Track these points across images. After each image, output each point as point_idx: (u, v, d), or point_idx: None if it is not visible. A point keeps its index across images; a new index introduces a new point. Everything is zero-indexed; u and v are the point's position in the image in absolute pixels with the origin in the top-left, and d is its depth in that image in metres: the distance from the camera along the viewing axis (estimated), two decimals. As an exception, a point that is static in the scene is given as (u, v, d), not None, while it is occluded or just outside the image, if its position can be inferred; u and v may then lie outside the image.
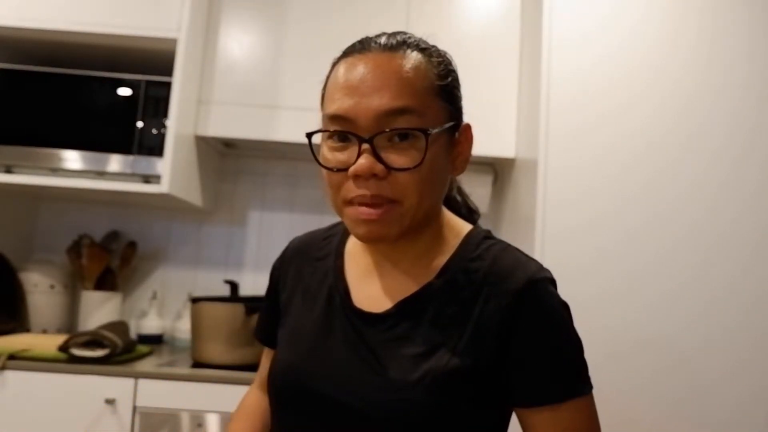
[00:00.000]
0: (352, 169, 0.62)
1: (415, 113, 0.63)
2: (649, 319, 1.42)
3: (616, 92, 1.49)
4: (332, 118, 0.65)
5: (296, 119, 1.78)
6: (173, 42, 1.69)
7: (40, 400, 1.44)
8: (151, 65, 1.78)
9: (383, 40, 0.67)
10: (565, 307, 0.67)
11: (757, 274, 1.43)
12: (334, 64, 0.70)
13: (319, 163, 0.66)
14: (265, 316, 0.87)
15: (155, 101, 1.69)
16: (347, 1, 1.85)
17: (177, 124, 1.67)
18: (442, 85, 0.67)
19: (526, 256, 0.70)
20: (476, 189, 1.86)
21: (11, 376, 1.44)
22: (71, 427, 1.43)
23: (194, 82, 1.79)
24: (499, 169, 1.97)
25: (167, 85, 1.68)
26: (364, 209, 0.63)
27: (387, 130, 0.62)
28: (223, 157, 2.11)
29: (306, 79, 1.80)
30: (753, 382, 1.39)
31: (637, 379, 1.39)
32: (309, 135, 0.67)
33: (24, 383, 1.44)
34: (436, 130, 0.64)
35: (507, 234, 1.80)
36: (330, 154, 0.65)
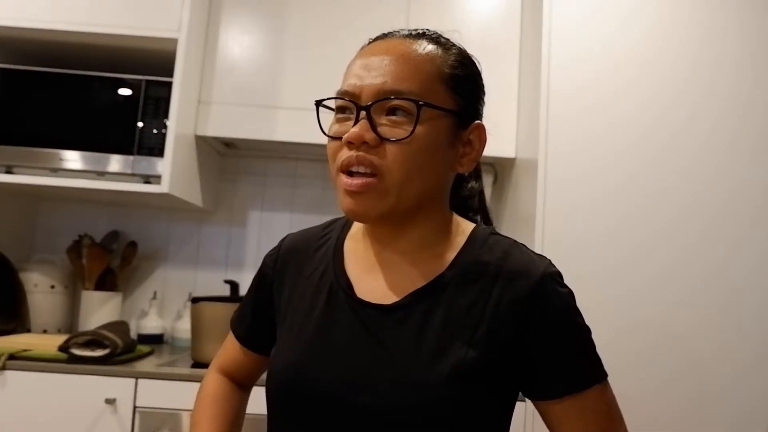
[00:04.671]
0: (345, 136, 0.64)
1: (414, 95, 0.64)
2: (659, 319, 1.42)
3: (620, 97, 1.49)
4: (341, 94, 0.68)
5: (296, 119, 1.78)
6: (173, 42, 1.68)
7: (40, 400, 1.44)
8: (151, 65, 1.78)
9: (405, 31, 0.71)
10: (573, 297, 0.69)
11: None
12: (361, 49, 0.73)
13: (323, 132, 0.69)
14: (247, 314, 0.84)
15: (155, 101, 1.69)
16: (347, 1, 1.85)
17: (177, 124, 1.67)
18: (451, 74, 0.68)
19: (534, 252, 0.71)
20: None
21: (11, 376, 1.44)
22: (71, 427, 1.43)
23: (194, 82, 1.79)
24: (499, 169, 1.97)
25: (167, 85, 1.68)
26: (347, 179, 0.64)
27: (381, 99, 0.64)
28: (223, 157, 2.11)
29: (306, 79, 1.80)
30: (763, 383, 1.39)
31: (648, 381, 1.39)
32: (317, 103, 0.70)
33: (24, 383, 1.44)
34: (429, 105, 0.64)
35: (507, 234, 1.80)
36: (333, 126, 0.69)
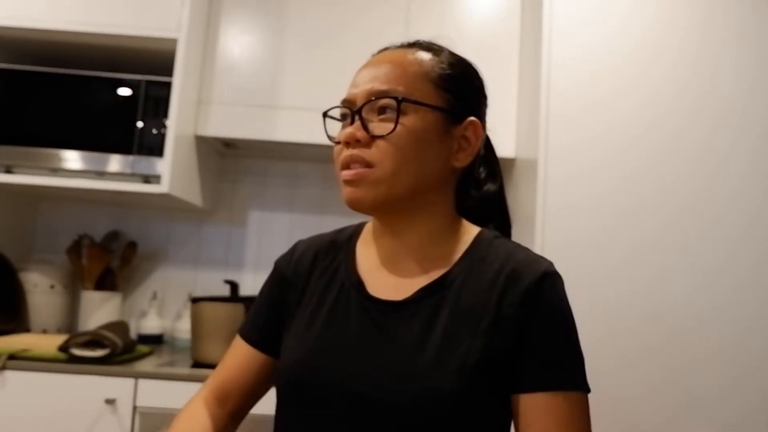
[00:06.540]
0: (340, 137, 0.71)
1: (398, 94, 0.69)
2: (659, 319, 1.42)
3: (620, 97, 1.49)
4: (341, 103, 0.74)
5: (296, 119, 1.78)
6: (173, 42, 1.69)
7: (40, 400, 1.44)
8: (151, 65, 1.78)
9: (400, 43, 0.76)
10: (570, 307, 0.70)
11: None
12: None
13: (330, 138, 0.75)
14: (261, 315, 0.83)
15: (155, 101, 1.69)
16: (347, 2, 1.85)
17: (177, 124, 1.67)
18: (440, 73, 0.72)
19: (536, 254, 0.73)
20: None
21: (11, 376, 1.44)
22: (71, 427, 1.43)
23: (194, 82, 1.79)
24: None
25: (167, 85, 1.68)
26: (345, 171, 0.70)
27: (370, 101, 0.70)
28: (223, 157, 2.11)
29: (306, 79, 1.79)
30: (763, 383, 1.39)
31: (648, 381, 1.39)
32: (324, 114, 0.77)
33: (24, 383, 1.44)
34: (410, 101, 0.69)
35: (507, 234, 1.80)
36: (339, 133, 0.74)
